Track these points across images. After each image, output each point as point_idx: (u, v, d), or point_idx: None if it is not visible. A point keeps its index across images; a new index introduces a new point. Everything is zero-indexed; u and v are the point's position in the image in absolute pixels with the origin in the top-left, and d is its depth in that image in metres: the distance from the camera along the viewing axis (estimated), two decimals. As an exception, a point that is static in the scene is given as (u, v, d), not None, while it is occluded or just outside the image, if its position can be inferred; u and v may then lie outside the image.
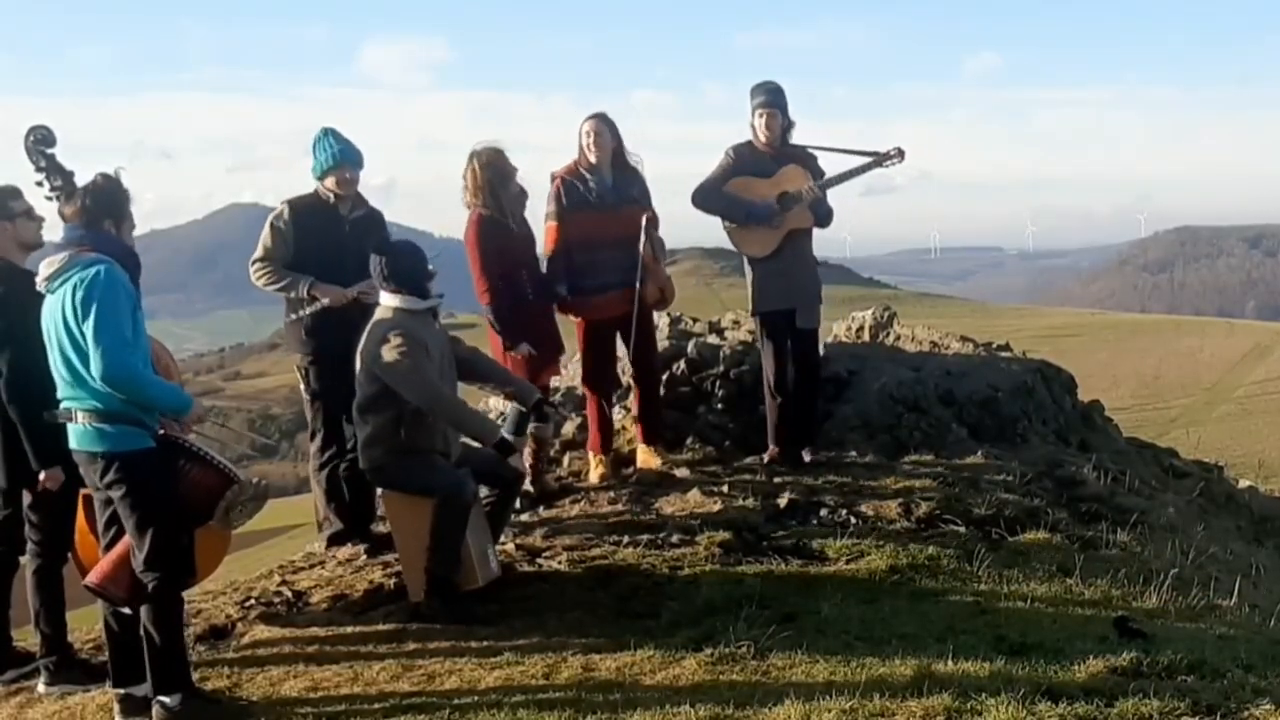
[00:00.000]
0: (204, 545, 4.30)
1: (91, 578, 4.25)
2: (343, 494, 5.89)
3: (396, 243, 5.34)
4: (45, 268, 4.10)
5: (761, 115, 6.58)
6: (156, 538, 4.06)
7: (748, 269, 6.80)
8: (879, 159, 6.58)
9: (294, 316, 5.75)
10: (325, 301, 5.62)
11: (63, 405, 4.13)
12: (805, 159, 6.70)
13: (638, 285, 6.38)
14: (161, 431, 4.12)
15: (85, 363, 3.98)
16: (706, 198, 6.67)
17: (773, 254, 6.65)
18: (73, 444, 4.14)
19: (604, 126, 6.39)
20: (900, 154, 6.57)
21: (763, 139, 6.62)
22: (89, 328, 3.93)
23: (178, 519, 4.16)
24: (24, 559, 4.85)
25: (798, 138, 6.77)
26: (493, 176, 6.06)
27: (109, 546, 4.26)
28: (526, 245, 6.27)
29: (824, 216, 6.71)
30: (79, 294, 3.96)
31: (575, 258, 6.41)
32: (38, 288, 4.14)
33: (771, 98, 6.58)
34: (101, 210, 4.17)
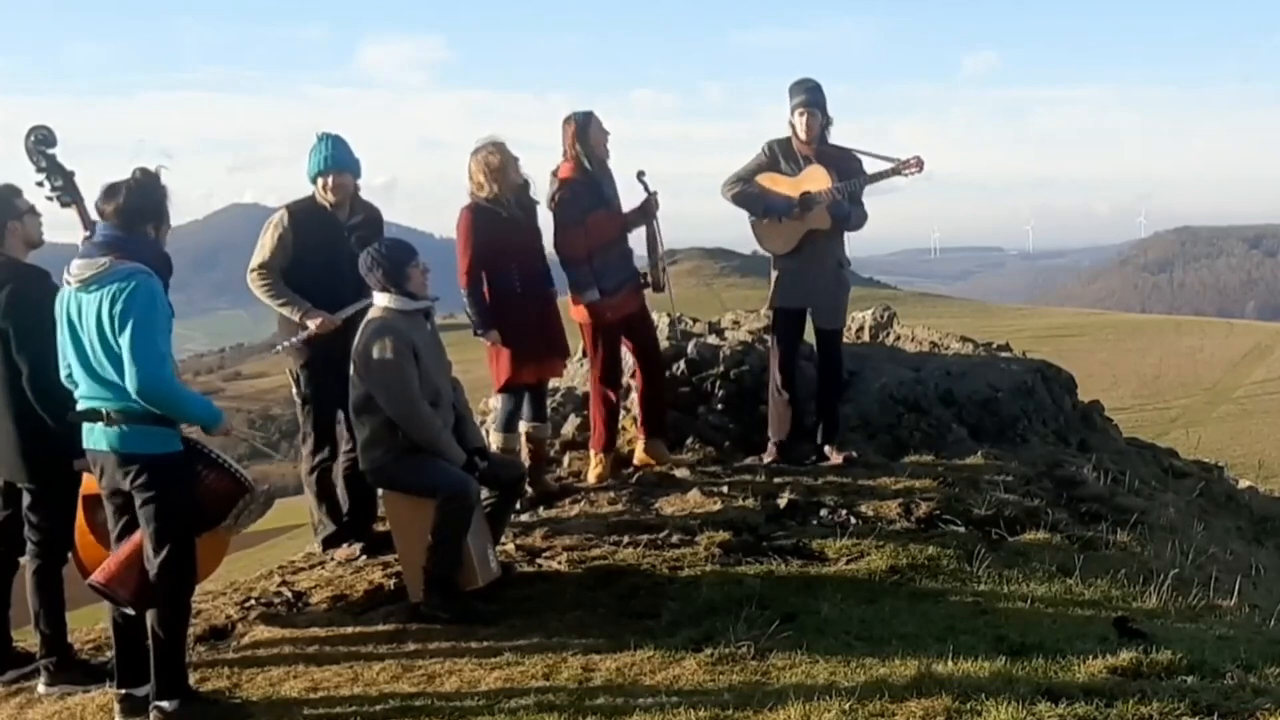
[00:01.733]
0: (204, 546, 4.30)
1: (97, 576, 4.25)
2: (335, 496, 5.89)
3: (384, 239, 5.32)
4: (82, 269, 4.06)
5: (802, 114, 6.60)
6: (177, 543, 4.08)
7: (771, 265, 6.86)
8: (898, 167, 6.58)
9: (281, 346, 5.74)
10: (313, 327, 5.60)
11: (86, 405, 4.12)
12: (840, 159, 6.67)
13: (661, 268, 6.46)
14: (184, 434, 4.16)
15: (118, 368, 3.98)
16: (732, 189, 6.75)
17: (792, 252, 6.69)
18: (99, 444, 4.12)
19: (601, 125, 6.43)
20: (920, 164, 6.58)
21: (803, 137, 6.64)
22: (125, 340, 3.94)
23: (194, 525, 4.19)
24: (24, 559, 4.85)
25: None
26: (492, 167, 6.07)
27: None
28: (523, 237, 6.19)
29: (845, 218, 6.68)
30: (118, 306, 3.95)
31: (594, 261, 6.41)
32: (67, 283, 4.11)
33: (811, 96, 6.61)
34: (141, 212, 4.15)
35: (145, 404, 3.97)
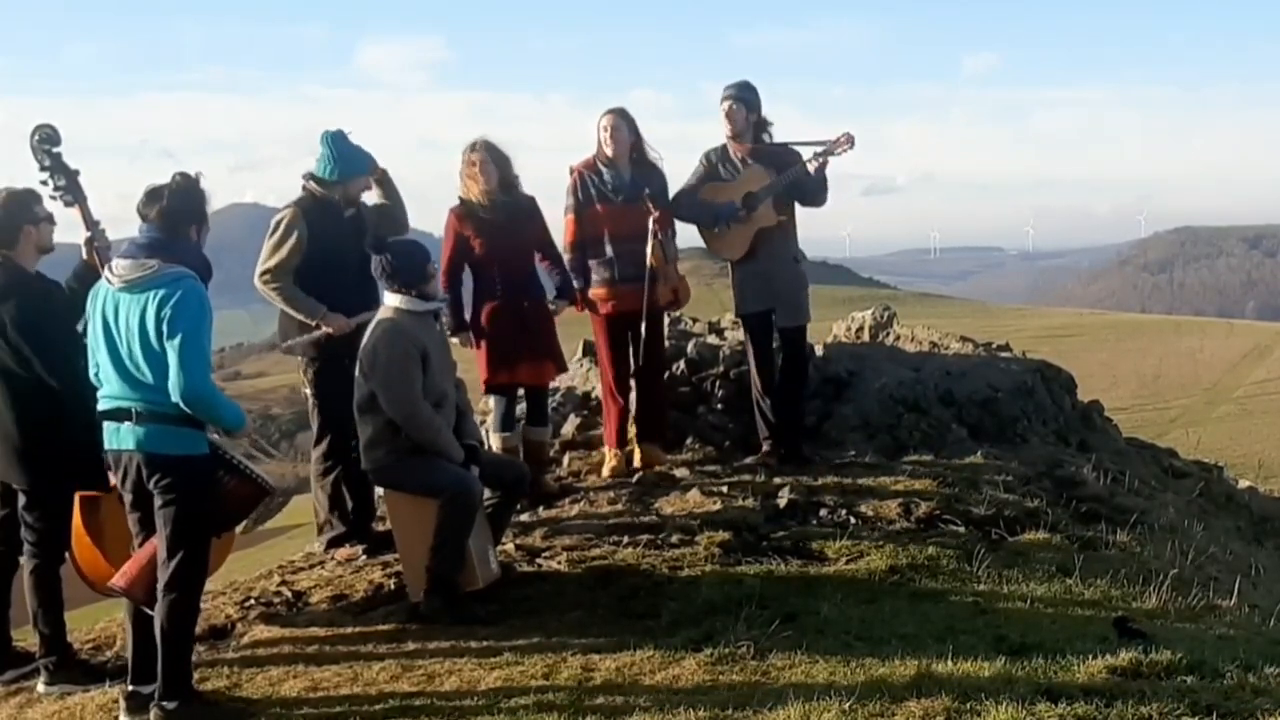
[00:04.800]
0: (212, 545, 4.33)
1: (117, 581, 4.29)
2: (345, 499, 5.88)
3: (398, 241, 5.32)
4: (128, 269, 4.07)
5: (723, 106, 6.57)
6: (191, 547, 4.10)
7: (730, 272, 6.82)
8: (829, 148, 6.54)
9: (291, 344, 5.70)
10: (329, 330, 5.57)
11: (113, 404, 4.13)
12: (777, 155, 6.65)
13: (646, 285, 6.39)
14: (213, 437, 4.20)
15: (155, 369, 4.01)
16: (679, 205, 6.68)
17: (747, 255, 6.65)
18: (125, 444, 4.12)
19: (622, 121, 6.43)
20: (850, 140, 6.54)
21: (726, 131, 6.61)
22: (174, 346, 3.97)
23: (212, 528, 4.24)
24: (24, 559, 4.85)
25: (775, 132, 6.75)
26: (469, 170, 6.06)
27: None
28: (506, 240, 6.12)
29: (811, 194, 6.61)
30: (166, 311, 3.98)
31: (590, 252, 6.45)
32: (108, 281, 4.12)
33: (736, 91, 6.59)
34: (184, 214, 4.19)
35: (185, 408, 4.00)
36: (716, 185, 6.65)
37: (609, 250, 6.44)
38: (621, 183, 6.43)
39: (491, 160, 6.06)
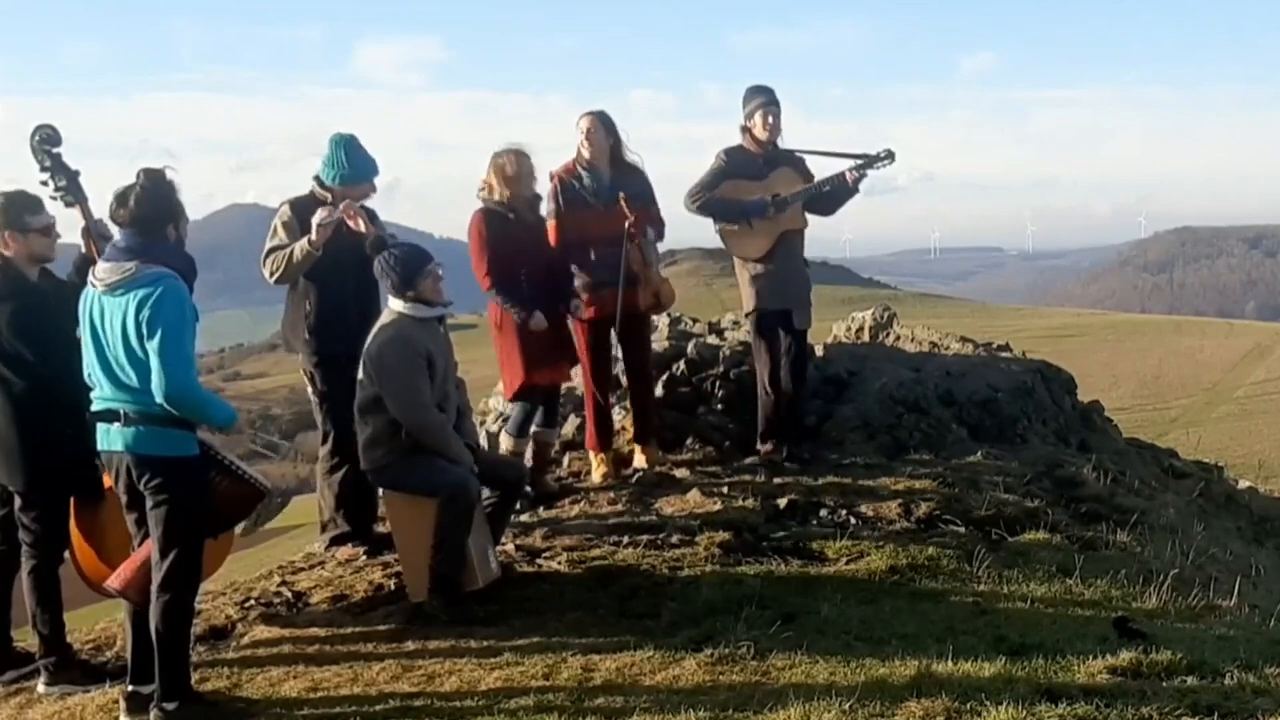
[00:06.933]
0: (209, 546, 4.33)
1: (113, 582, 4.28)
2: (350, 498, 5.88)
3: (397, 244, 5.30)
4: (108, 272, 4.06)
5: (766, 114, 6.61)
6: (184, 547, 4.09)
7: (740, 269, 6.82)
8: (869, 161, 6.57)
9: (319, 223, 5.50)
10: (339, 215, 5.48)
11: (103, 405, 4.12)
12: (795, 162, 6.73)
13: (620, 289, 6.33)
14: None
15: (140, 371, 4.00)
16: (701, 200, 6.67)
17: (766, 255, 6.66)
18: (114, 445, 4.12)
19: (599, 124, 6.39)
20: (890, 156, 6.58)
21: (764, 136, 6.63)
22: (154, 347, 3.95)
23: (207, 529, 4.22)
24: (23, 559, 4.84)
25: (786, 140, 6.80)
26: (505, 173, 6.06)
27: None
28: (533, 242, 6.17)
29: (836, 204, 6.73)
30: (145, 312, 3.97)
31: (573, 256, 6.41)
32: (93, 285, 4.11)
33: (772, 97, 6.65)
34: (155, 218, 4.12)
35: (170, 408, 3.99)
36: (740, 184, 6.64)
37: (591, 254, 6.38)
38: (602, 186, 6.38)
39: (527, 171, 6.11)
